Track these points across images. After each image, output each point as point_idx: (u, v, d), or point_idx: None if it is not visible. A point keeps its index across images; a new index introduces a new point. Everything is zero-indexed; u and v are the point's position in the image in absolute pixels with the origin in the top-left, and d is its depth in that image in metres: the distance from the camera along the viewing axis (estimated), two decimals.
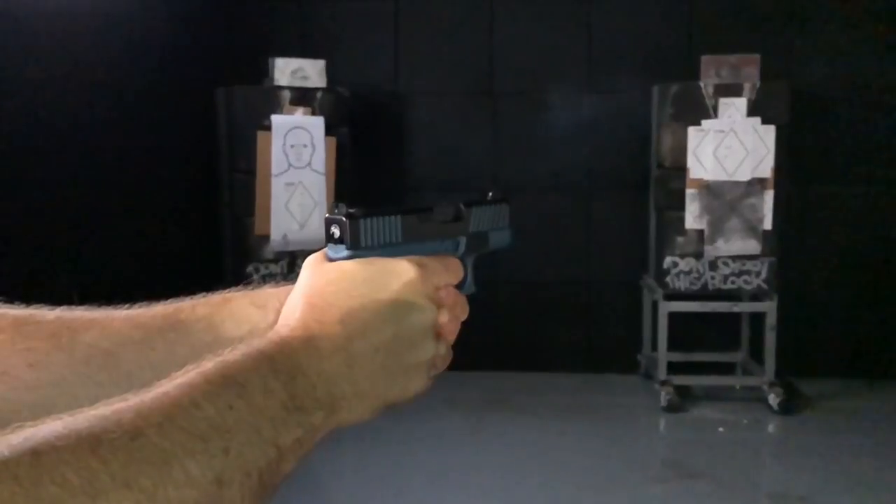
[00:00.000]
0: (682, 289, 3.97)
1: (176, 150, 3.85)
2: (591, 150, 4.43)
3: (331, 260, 0.56)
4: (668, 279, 3.97)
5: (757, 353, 4.13)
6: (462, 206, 0.64)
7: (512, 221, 0.68)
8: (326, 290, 0.53)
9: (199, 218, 4.00)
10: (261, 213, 3.60)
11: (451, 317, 0.57)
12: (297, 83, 3.76)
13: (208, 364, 0.45)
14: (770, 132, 3.84)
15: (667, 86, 3.92)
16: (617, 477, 3.34)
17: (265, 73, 3.81)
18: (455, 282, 0.59)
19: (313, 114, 3.75)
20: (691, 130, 3.86)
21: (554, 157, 4.46)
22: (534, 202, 4.49)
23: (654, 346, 4.14)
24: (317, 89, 3.80)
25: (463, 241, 0.64)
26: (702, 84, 3.87)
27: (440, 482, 3.33)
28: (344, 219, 0.56)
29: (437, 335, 0.56)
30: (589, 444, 3.65)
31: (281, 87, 3.74)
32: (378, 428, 3.90)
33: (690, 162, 3.87)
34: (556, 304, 4.56)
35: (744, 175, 3.87)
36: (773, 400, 3.88)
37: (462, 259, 0.64)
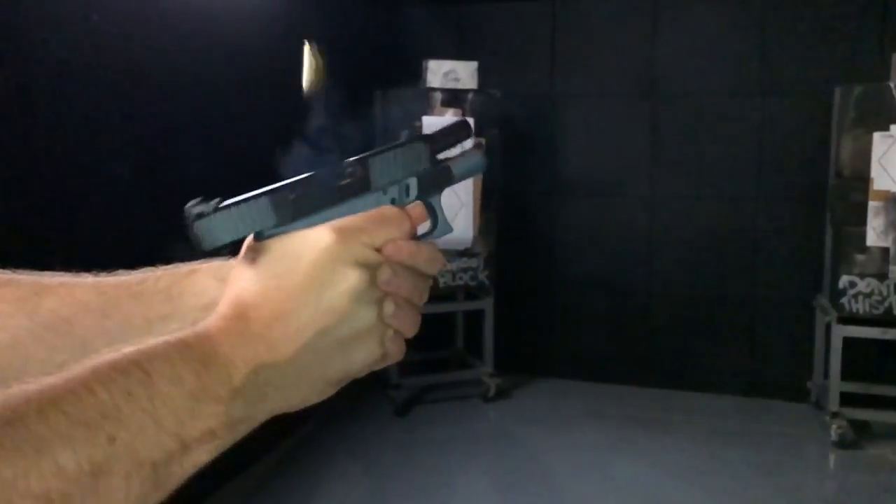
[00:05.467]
0: (861, 312, 3.58)
1: (336, 150, 4.03)
2: (759, 156, 4.12)
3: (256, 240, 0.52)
4: (844, 301, 3.59)
5: None
6: (364, 160, 0.56)
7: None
8: (246, 273, 0.51)
9: None
10: None
11: (400, 271, 0.52)
12: (449, 85, 3.81)
13: (128, 348, 0.44)
14: None
15: (850, 87, 3.56)
16: None
17: (421, 75, 3.89)
18: (399, 234, 0.53)
19: (463, 115, 3.79)
20: (877, 137, 3.47)
21: (718, 163, 4.19)
22: (694, 211, 4.25)
23: (827, 374, 3.76)
24: (468, 91, 3.84)
25: (413, 182, 0.58)
26: (892, 85, 3.47)
27: (573, 496, 3.22)
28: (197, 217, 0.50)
29: (382, 295, 0.51)
30: (744, 474, 3.37)
31: (433, 89, 3.81)
32: (516, 435, 3.85)
33: (875, 171, 3.49)
34: (717, 322, 4.27)
35: None
36: None
37: (424, 201, 0.58)
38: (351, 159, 0.56)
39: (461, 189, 3.77)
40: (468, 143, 0.63)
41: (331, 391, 0.51)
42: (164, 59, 2.73)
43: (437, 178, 0.59)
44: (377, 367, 0.54)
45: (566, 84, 4.39)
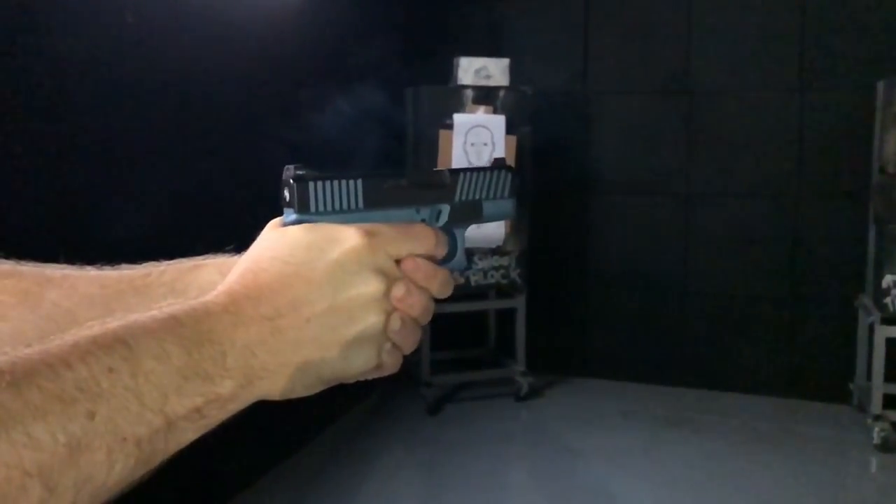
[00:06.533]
0: None
1: (369, 149, 4.03)
2: (799, 152, 4.03)
3: (284, 225, 0.54)
4: (887, 301, 3.50)
5: None
6: (447, 172, 0.59)
7: (514, 190, 0.61)
8: (264, 255, 0.51)
9: None
10: None
11: (414, 290, 0.53)
12: (481, 82, 3.79)
13: (113, 323, 0.44)
14: None
15: (893, 81, 3.46)
16: None
17: (452, 72, 3.88)
18: (423, 252, 0.54)
19: (495, 112, 3.76)
20: None
21: (756, 160, 4.10)
22: (732, 209, 4.17)
23: (869, 376, 3.66)
24: (499, 88, 3.81)
25: (446, 209, 0.59)
26: None
27: (605, 496, 3.18)
28: (292, 181, 0.53)
29: (392, 309, 0.52)
30: (781, 477, 3.30)
31: (464, 86, 3.80)
32: (548, 435, 3.82)
33: None
34: (756, 321, 4.19)
35: None
36: None
37: (448, 230, 0.59)
38: (440, 170, 0.59)
39: None
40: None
41: (318, 389, 0.51)
42: (197, 57, 2.76)
43: (467, 213, 0.60)
44: (369, 377, 0.54)
45: (599, 80, 4.34)
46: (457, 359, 4.28)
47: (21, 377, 0.38)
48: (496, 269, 3.94)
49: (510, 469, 3.56)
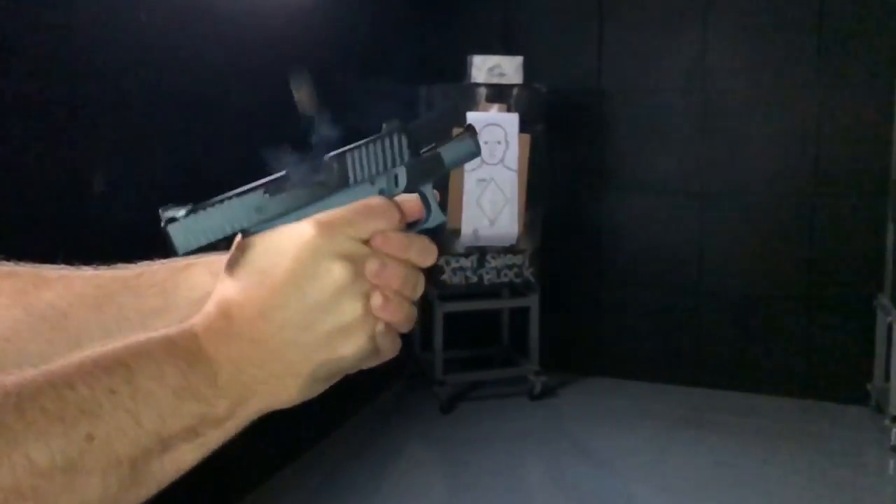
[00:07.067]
0: None
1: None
2: (815, 150, 3.98)
3: (243, 237, 0.52)
4: None
5: None
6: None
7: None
8: (234, 268, 0.50)
9: None
10: (452, 208, 3.66)
11: (389, 263, 0.50)
12: (494, 80, 3.78)
13: (114, 344, 0.44)
14: None
15: None
16: None
17: (465, 70, 3.87)
18: (388, 225, 0.51)
19: (508, 110, 3.75)
20: None
21: (772, 158, 4.07)
22: (747, 208, 4.13)
23: (888, 376, 3.63)
24: (513, 86, 3.80)
25: (402, 171, 0.56)
26: None
27: (619, 495, 3.16)
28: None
29: (371, 288, 0.50)
30: (797, 478, 3.27)
31: (477, 84, 3.79)
32: (561, 434, 3.80)
33: None
34: (772, 321, 4.15)
35: None
36: None
37: (413, 190, 0.56)
38: (329, 154, 0.54)
39: (506, 185, 3.73)
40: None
41: (320, 388, 0.50)
42: (212, 58, 2.77)
43: (427, 167, 0.57)
44: (370, 364, 0.52)
45: (614, 78, 4.32)
46: (470, 357, 4.28)
47: (26, 398, 0.39)
48: (509, 267, 3.93)
49: (524, 468, 3.54)
